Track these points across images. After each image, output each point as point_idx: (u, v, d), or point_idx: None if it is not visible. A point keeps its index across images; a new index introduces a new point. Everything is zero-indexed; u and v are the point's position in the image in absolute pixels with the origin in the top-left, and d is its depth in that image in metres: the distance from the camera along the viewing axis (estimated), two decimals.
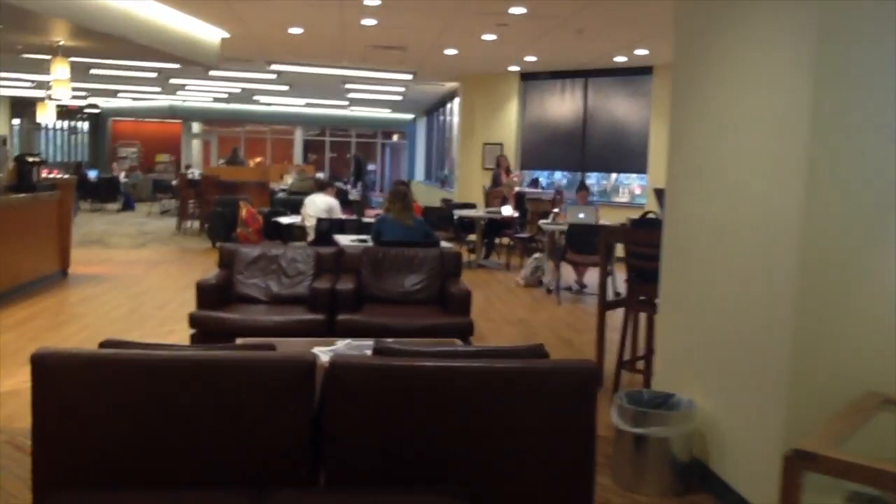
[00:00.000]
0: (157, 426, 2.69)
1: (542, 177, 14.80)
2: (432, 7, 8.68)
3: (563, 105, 13.45)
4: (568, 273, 9.48)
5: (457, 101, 15.90)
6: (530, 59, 12.04)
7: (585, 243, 8.70)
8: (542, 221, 9.98)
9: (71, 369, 2.66)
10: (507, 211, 11.18)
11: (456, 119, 16.31)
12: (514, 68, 13.33)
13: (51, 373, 2.65)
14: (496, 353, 2.82)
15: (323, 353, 4.37)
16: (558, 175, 15.44)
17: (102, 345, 2.76)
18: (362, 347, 4.47)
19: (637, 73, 12.24)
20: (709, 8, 4.01)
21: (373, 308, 5.53)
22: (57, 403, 2.67)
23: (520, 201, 11.66)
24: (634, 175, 14.10)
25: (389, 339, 4.51)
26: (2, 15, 7.76)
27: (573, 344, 6.86)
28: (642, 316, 5.32)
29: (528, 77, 13.69)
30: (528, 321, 7.73)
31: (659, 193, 6.55)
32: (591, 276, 9.64)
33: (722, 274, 3.81)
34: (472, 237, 11.53)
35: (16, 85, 19.21)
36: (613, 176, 14.98)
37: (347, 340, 4.63)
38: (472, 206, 12.18)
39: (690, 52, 4.23)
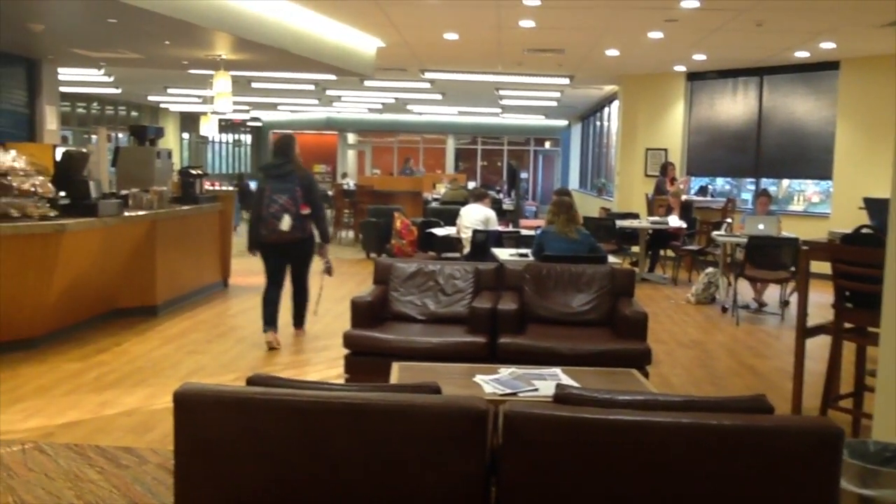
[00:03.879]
0: (304, 474, 2.36)
1: (708, 183, 13.82)
2: (595, 5, 8.14)
3: (734, 106, 12.45)
4: (744, 290, 8.63)
5: (615, 104, 15.18)
6: (699, 57, 11.21)
7: (767, 257, 7.89)
8: (715, 233, 9.16)
9: (215, 408, 2.37)
10: (675, 221, 10.40)
11: (614, 124, 15.58)
12: (679, 68, 12.50)
13: (194, 411, 2.38)
14: (708, 406, 2.29)
15: (486, 382, 3.97)
16: (720, 182, 14.36)
17: (250, 381, 2.46)
18: (529, 377, 4.03)
19: (821, 68, 11.09)
20: None
21: (537, 330, 5.06)
22: (200, 443, 2.40)
23: (686, 210, 10.85)
24: (810, 181, 12.87)
25: (560, 373, 4.08)
26: (169, 30, 7.96)
27: (758, 371, 6.12)
28: (846, 346, 4.62)
29: (695, 77, 12.78)
30: (704, 343, 7.02)
31: (871, 204, 5.70)
32: (771, 294, 8.76)
33: None
34: (635, 249, 10.82)
35: (184, 101, 20.25)
36: (786, 182, 13.75)
37: (511, 368, 4.20)
38: (634, 215, 11.43)
39: None
